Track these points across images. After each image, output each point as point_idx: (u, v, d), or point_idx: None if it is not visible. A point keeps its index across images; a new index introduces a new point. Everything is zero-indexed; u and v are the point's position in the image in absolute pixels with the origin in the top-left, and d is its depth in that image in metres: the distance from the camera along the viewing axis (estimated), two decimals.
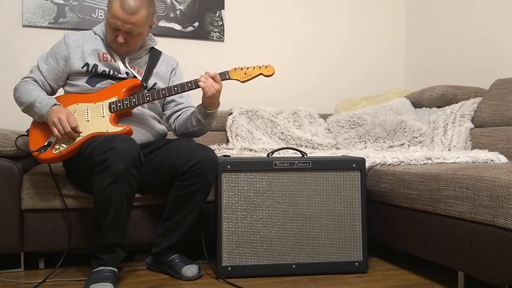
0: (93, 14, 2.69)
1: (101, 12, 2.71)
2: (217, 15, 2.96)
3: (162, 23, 2.85)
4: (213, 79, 1.77)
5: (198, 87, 1.77)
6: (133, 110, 1.85)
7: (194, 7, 2.92)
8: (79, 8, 2.67)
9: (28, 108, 1.77)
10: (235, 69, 1.84)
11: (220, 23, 2.98)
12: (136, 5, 1.73)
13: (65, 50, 1.83)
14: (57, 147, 1.70)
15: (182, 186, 1.72)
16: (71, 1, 2.66)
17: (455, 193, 1.51)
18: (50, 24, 2.63)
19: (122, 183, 1.57)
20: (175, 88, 1.79)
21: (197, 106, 1.88)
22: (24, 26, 2.59)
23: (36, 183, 1.82)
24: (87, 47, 1.84)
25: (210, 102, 1.80)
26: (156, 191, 1.86)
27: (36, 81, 1.83)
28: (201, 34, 2.94)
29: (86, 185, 1.76)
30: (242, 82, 1.83)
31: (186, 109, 1.98)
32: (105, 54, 1.85)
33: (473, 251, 1.46)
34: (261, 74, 1.83)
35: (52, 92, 1.89)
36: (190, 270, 1.72)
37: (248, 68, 1.84)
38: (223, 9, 2.98)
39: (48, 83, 1.85)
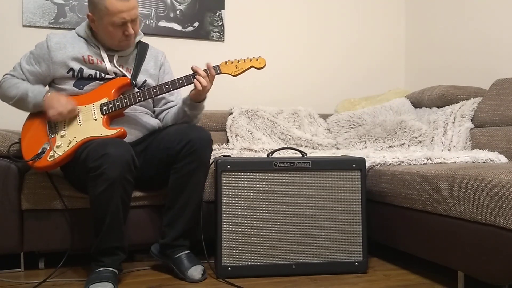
0: None
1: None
2: (217, 15, 2.96)
3: (162, 23, 2.85)
4: (209, 78, 1.77)
5: (190, 83, 1.77)
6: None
7: (194, 7, 2.92)
8: (79, 8, 2.67)
9: (19, 101, 1.77)
10: (226, 62, 1.83)
11: (220, 23, 2.98)
12: None
13: (47, 54, 1.79)
14: (52, 154, 1.69)
15: (179, 168, 1.72)
16: (71, 1, 2.66)
17: (455, 193, 1.51)
18: (50, 24, 2.63)
19: (117, 189, 1.57)
20: (166, 86, 1.77)
21: (183, 98, 1.88)
22: (24, 26, 2.59)
23: (36, 183, 1.81)
24: (70, 51, 1.79)
25: (198, 96, 1.81)
26: (156, 183, 1.85)
27: (17, 79, 1.82)
28: (201, 34, 2.94)
29: (84, 187, 1.76)
30: (234, 76, 1.82)
31: (175, 106, 1.97)
32: (90, 57, 1.80)
33: (473, 251, 1.46)
34: (252, 66, 1.82)
35: None
36: (195, 272, 1.72)
37: (239, 61, 1.82)
38: (223, 9, 2.98)
39: (30, 83, 1.82)
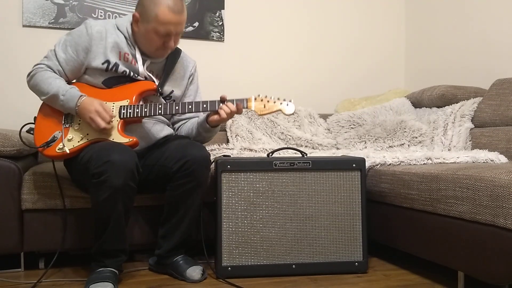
0: (93, 14, 2.69)
1: (101, 12, 2.71)
2: (217, 15, 2.96)
3: None
4: (233, 111, 1.72)
5: (213, 110, 1.74)
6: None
7: (194, 7, 2.92)
8: (79, 8, 2.67)
9: (50, 99, 1.71)
10: (255, 98, 1.77)
11: (220, 23, 2.98)
12: (180, 3, 1.69)
13: (87, 42, 1.73)
14: (61, 146, 1.68)
15: (175, 186, 1.70)
16: (71, 1, 2.66)
17: (455, 193, 1.51)
18: (50, 24, 2.62)
19: (120, 196, 1.56)
20: (189, 107, 1.73)
21: (199, 118, 1.86)
22: (24, 26, 2.59)
23: (36, 183, 1.81)
24: (110, 42, 1.74)
25: (216, 123, 1.79)
26: (150, 190, 1.85)
27: (52, 70, 1.74)
28: (201, 34, 2.93)
29: (83, 185, 1.76)
30: (259, 115, 1.79)
31: (193, 118, 1.96)
32: (126, 55, 1.76)
33: (473, 251, 1.46)
34: (280, 111, 1.77)
35: (68, 81, 1.79)
36: (195, 272, 1.72)
37: (268, 101, 1.76)
38: (223, 9, 2.98)
39: (65, 74, 1.76)
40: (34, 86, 1.74)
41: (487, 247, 1.41)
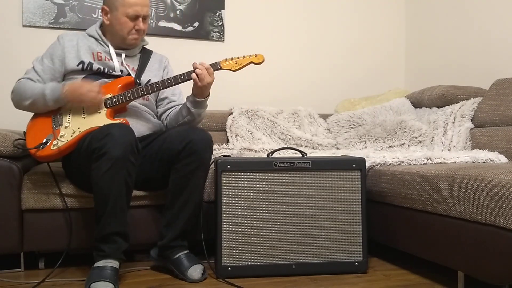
0: (93, 14, 2.69)
1: (101, 12, 2.70)
2: (217, 15, 2.96)
3: (162, 23, 2.84)
4: (207, 71, 1.82)
5: (191, 79, 1.82)
6: (128, 106, 1.88)
7: (194, 7, 2.92)
8: (79, 8, 2.67)
9: (36, 101, 1.77)
10: (226, 59, 1.89)
11: (220, 23, 2.98)
12: None
13: (60, 51, 1.87)
14: (55, 143, 1.70)
15: (179, 168, 1.73)
16: (71, 1, 2.66)
17: (455, 193, 1.51)
18: (50, 24, 2.63)
19: (120, 169, 1.58)
20: (169, 81, 1.83)
21: (186, 97, 1.93)
22: (24, 26, 2.59)
23: (36, 183, 1.82)
24: (82, 45, 1.89)
25: (200, 91, 1.85)
26: (155, 183, 1.86)
27: (32, 81, 1.84)
28: (201, 34, 2.93)
29: (86, 183, 1.76)
30: (234, 71, 1.89)
31: (178, 106, 2.01)
32: (99, 53, 1.89)
33: (473, 251, 1.46)
34: (251, 62, 1.89)
35: None
36: (195, 271, 1.72)
37: (238, 58, 1.89)
38: (223, 9, 2.98)
39: (45, 83, 1.85)
40: (19, 96, 1.82)
41: (487, 247, 1.41)
